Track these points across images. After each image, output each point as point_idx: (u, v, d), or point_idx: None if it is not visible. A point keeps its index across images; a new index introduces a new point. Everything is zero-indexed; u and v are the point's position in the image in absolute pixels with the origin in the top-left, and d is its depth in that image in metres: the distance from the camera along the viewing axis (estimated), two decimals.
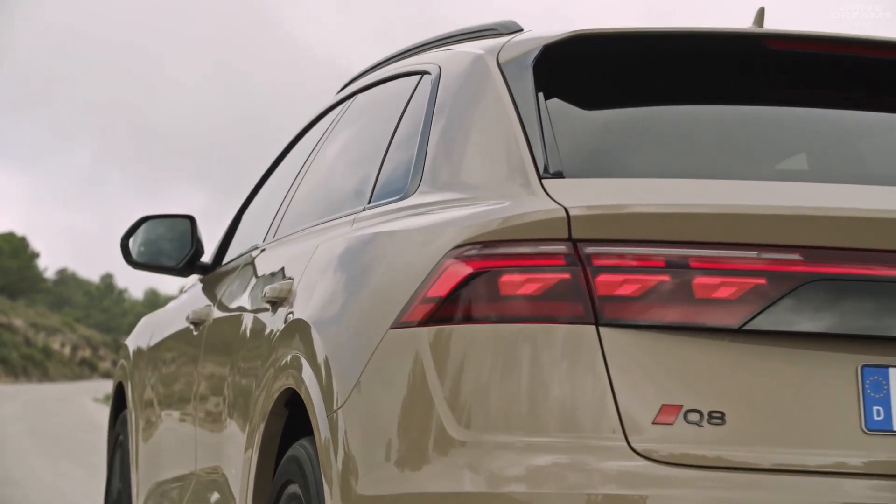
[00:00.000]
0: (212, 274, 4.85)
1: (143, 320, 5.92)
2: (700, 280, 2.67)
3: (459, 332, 2.74)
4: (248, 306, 4.01)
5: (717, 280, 2.67)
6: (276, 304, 3.59)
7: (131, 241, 4.96)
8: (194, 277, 5.10)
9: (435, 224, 2.94)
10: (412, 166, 3.28)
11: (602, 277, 2.68)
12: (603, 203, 2.75)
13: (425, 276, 2.81)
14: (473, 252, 2.76)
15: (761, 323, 2.66)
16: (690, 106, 3.27)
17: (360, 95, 4.17)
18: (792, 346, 2.67)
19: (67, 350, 59.65)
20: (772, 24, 3.47)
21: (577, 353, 2.66)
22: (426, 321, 2.78)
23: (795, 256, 2.68)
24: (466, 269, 2.75)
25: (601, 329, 2.67)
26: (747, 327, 2.66)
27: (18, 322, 55.26)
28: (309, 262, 3.48)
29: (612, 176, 2.96)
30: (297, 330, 3.31)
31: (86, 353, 61.66)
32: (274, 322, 3.57)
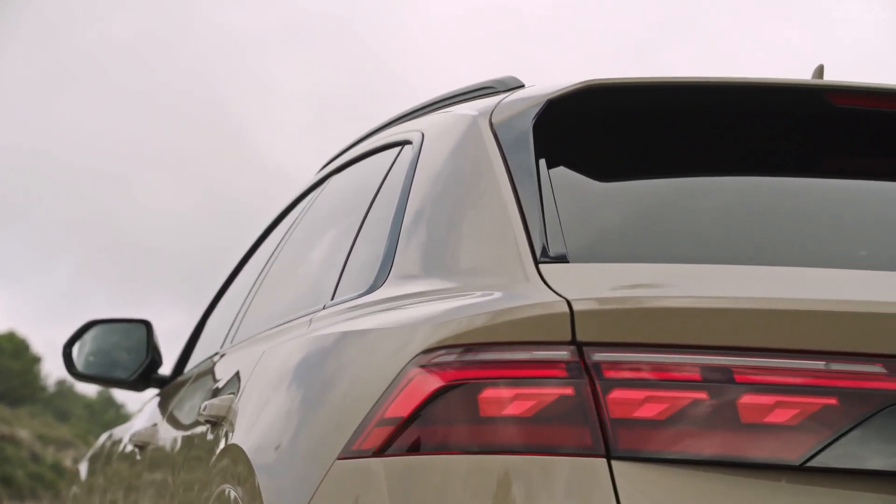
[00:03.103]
0: (167, 387, 4.26)
1: (100, 438, 5.34)
2: (748, 399, 2.01)
3: (425, 465, 2.07)
4: (188, 427, 3.37)
5: (770, 399, 2.01)
6: (214, 424, 2.95)
7: (76, 348, 4.41)
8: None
9: (403, 323, 2.28)
10: (382, 253, 2.64)
11: (616, 394, 2.02)
12: (618, 295, 2.09)
13: (383, 390, 2.15)
14: (449, 358, 2.09)
15: (831, 458, 2.00)
16: (729, 176, 2.63)
17: (333, 178, 3.57)
18: (872, 490, 2.01)
19: None
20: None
21: (583, 495, 1.99)
22: (382, 450, 2.12)
23: (877, 369, 2.03)
24: (436, 382, 2.09)
25: (614, 463, 2.00)
26: (811, 464, 2.00)
27: (23, 434, 53.90)
28: (252, 374, 2.84)
29: (630, 260, 2.29)
30: (232, 458, 2.66)
31: None
32: (211, 447, 2.92)
